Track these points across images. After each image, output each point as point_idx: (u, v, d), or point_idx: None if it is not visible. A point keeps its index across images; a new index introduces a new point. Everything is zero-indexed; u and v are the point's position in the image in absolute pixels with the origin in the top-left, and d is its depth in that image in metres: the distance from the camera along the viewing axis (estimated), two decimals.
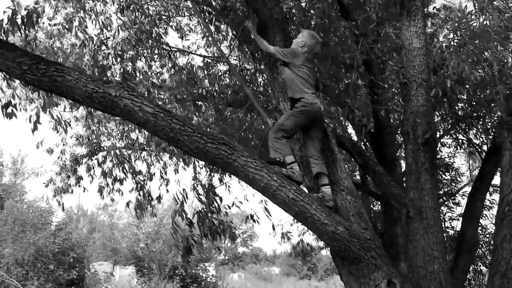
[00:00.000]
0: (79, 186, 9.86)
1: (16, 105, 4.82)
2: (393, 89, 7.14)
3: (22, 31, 5.02)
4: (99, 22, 7.01)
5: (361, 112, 6.56)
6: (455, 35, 5.87)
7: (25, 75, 3.51)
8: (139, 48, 6.87)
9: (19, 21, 4.59)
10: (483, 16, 5.12)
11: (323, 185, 3.97)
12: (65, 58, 7.40)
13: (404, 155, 7.13)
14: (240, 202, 8.49)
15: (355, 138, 8.89)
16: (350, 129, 9.54)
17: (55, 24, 7.62)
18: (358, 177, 10.55)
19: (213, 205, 7.95)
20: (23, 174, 36.17)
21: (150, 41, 6.73)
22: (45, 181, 9.96)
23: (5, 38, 5.00)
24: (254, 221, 8.34)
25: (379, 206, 10.38)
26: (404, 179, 7.21)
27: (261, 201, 8.61)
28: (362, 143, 8.51)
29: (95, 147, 9.39)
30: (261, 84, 8.01)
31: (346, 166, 6.20)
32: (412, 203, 4.55)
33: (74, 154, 9.56)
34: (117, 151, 9.30)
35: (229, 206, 8.49)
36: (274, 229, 8.96)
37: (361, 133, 7.44)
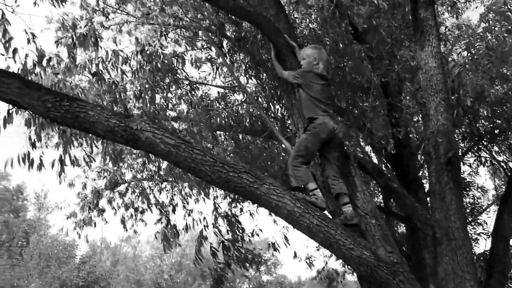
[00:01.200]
0: (102, 219, 9.96)
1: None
2: (411, 110, 7.14)
3: (47, 72, 5.22)
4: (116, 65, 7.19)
5: (380, 134, 6.55)
6: (469, 53, 5.88)
7: (49, 112, 3.60)
8: (157, 84, 7.02)
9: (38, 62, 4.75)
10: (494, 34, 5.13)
11: (344, 204, 3.92)
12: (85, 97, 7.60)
13: (426, 175, 7.06)
14: (260, 230, 8.48)
15: (375, 160, 8.84)
16: (370, 151, 9.50)
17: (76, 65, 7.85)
18: (380, 199, 10.44)
19: (236, 234, 7.95)
20: (47, 208, 36.63)
21: (167, 76, 6.87)
22: (67, 214, 10.10)
23: (29, 77, 5.19)
24: (275, 249, 8.30)
25: (404, 228, 10.22)
26: (428, 199, 7.12)
27: (283, 227, 8.61)
28: (383, 165, 8.46)
29: (116, 179, 9.50)
30: (279, 111, 8.08)
31: (367, 189, 6.16)
32: (438, 224, 4.48)
33: (95, 187, 9.68)
34: (138, 182, 9.40)
35: (252, 234, 8.50)
36: (295, 256, 8.89)
37: (382, 155, 7.41)
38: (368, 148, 8.86)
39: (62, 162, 5.53)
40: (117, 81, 7.09)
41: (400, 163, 8.04)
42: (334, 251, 3.65)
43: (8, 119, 5.00)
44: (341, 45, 6.88)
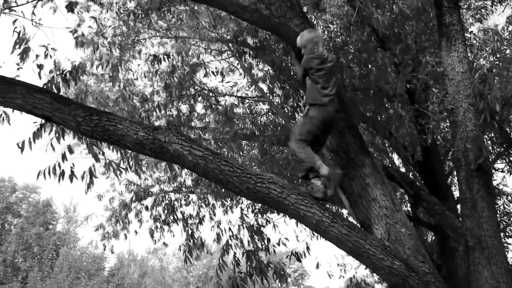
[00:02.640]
0: (128, 231, 10.08)
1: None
2: (438, 116, 7.03)
3: (70, 84, 5.33)
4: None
5: (407, 142, 6.47)
6: (495, 58, 5.77)
7: (80, 126, 3.69)
8: (183, 96, 7.11)
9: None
10: None
11: (313, 177, 3.81)
12: (114, 105, 7.76)
13: (456, 183, 6.94)
14: (287, 239, 8.43)
15: (403, 169, 8.73)
16: (397, 159, 9.38)
17: (101, 75, 8.02)
18: (408, 207, 10.28)
19: (262, 244, 7.93)
20: (75, 221, 37.24)
21: (191, 86, 6.95)
22: (95, 225, 10.25)
23: (56, 91, 5.32)
24: (297, 259, 8.24)
25: (433, 237, 10.03)
26: (458, 207, 6.98)
27: (307, 235, 8.54)
28: (411, 173, 8.34)
29: (144, 192, 9.61)
30: None
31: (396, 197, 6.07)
32: (470, 232, 4.38)
33: (123, 199, 9.81)
34: (165, 195, 9.49)
35: (277, 244, 8.45)
36: (318, 267, 8.81)
37: (409, 163, 7.31)
38: (395, 156, 8.76)
39: (91, 173, 5.61)
40: (145, 94, 7.21)
41: (428, 170, 7.92)
42: (364, 260, 3.62)
43: (38, 134, 5.14)
44: (364, 53, 6.84)
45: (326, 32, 8.18)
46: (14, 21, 4.17)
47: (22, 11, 4.23)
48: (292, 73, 6.77)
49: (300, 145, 3.88)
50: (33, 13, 4.47)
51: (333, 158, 4.45)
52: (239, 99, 8.32)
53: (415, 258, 3.75)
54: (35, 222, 36.74)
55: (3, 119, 4.33)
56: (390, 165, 7.27)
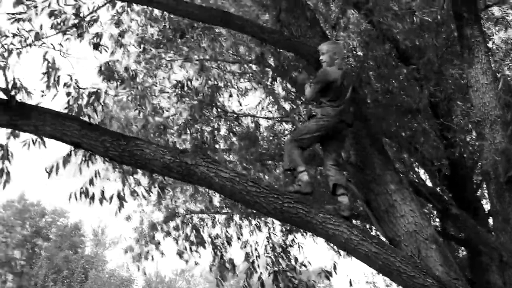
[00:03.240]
0: (156, 253, 10.15)
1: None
2: (464, 129, 6.94)
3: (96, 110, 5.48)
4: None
5: (433, 156, 6.40)
6: None
7: (108, 152, 3.78)
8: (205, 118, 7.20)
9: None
10: None
11: (340, 195, 3.80)
12: (139, 132, 7.90)
13: (486, 195, 6.80)
14: (309, 262, 8.37)
15: (430, 183, 8.59)
16: (423, 174, 9.24)
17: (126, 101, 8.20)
18: (436, 222, 10.08)
19: (287, 265, 7.89)
20: (104, 244, 37.61)
21: (214, 109, 7.04)
22: (124, 247, 10.36)
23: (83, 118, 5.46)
24: (326, 277, 8.16)
25: (464, 252, 9.79)
26: (489, 221, 6.83)
27: (336, 253, 8.45)
28: (438, 187, 8.21)
29: (172, 213, 9.69)
30: None
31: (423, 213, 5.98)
32: (503, 246, 4.29)
33: (151, 221, 9.91)
34: (192, 216, 9.55)
35: (304, 265, 8.40)
36: (351, 284, 8.68)
37: (436, 177, 7.20)
38: (421, 171, 8.64)
39: (120, 197, 5.72)
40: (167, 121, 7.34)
41: (456, 184, 7.78)
42: (395, 278, 3.57)
43: (67, 159, 5.27)
44: (385, 68, 6.84)
45: (345, 49, 8.22)
46: (45, 54, 4.33)
47: (52, 43, 4.38)
48: None
49: (292, 144, 3.91)
50: (60, 44, 4.64)
51: (356, 175, 4.44)
52: (263, 119, 8.38)
53: (448, 275, 3.68)
54: (64, 245, 37.26)
55: (37, 142, 4.45)
56: (416, 180, 7.17)
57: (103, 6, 5.33)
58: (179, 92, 7.51)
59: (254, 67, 7.87)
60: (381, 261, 3.43)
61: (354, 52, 7.93)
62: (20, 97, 3.84)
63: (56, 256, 35.72)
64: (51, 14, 5.20)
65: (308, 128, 3.98)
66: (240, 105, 8.39)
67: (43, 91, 4.93)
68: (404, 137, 7.13)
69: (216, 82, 7.86)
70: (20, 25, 4.46)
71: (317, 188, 7.92)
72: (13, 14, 4.42)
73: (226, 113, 7.82)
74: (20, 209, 39.59)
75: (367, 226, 8.37)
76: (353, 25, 8.20)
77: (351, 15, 8.05)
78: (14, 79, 3.75)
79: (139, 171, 6.20)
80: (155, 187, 7.07)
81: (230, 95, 7.95)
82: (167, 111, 8.11)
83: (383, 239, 4.13)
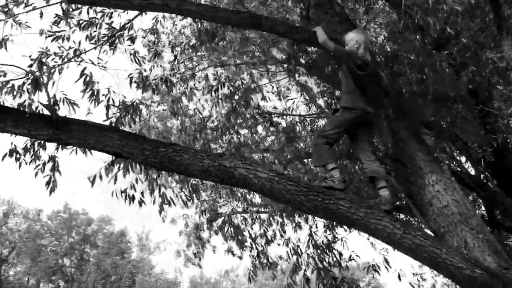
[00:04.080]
0: (201, 254, 10.32)
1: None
2: (506, 114, 6.73)
3: (134, 120, 5.64)
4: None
5: (475, 144, 6.23)
6: None
7: (148, 159, 3.88)
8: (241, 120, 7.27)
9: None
10: None
11: (380, 188, 3.77)
12: (176, 137, 8.07)
13: None
14: (358, 256, 8.29)
15: (473, 172, 8.37)
16: (465, 162, 9.01)
17: (163, 110, 8.38)
18: (482, 210, 9.81)
19: (333, 260, 7.86)
20: (149, 249, 38.48)
21: (249, 111, 7.10)
22: (174, 251, 10.63)
23: (121, 127, 5.64)
24: (375, 271, 8.07)
25: None
26: None
27: (382, 249, 8.36)
28: (482, 175, 7.99)
29: (215, 214, 9.83)
30: None
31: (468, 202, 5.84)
32: None
33: (196, 223, 10.09)
34: (234, 216, 9.67)
35: (349, 259, 8.34)
36: (400, 279, 8.55)
37: (480, 165, 7.01)
38: (464, 159, 8.43)
39: (162, 199, 5.85)
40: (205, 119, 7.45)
41: (501, 171, 7.54)
42: (441, 270, 3.51)
43: (109, 169, 5.46)
44: (419, 57, 6.71)
45: (377, 41, 8.12)
46: (84, 69, 4.49)
47: (90, 59, 4.55)
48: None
49: (319, 140, 3.89)
50: (98, 57, 4.79)
51: (396, 168, 4.38)
52: (299, 117, 8.39)
53: (498, 265, 3.58)
54: (111, 252, 38.34)
55: (81, 152, 4.62)
56: (459, 169, 7.00)
57: (135, 18, 5.46)
58: (215, 95, 7.62)
59: (286, 66, 7.88)
60: (426, 253, 3.38)
61: (385, 43, 7.81)
62: (65, 111, 4.01)
63: (104, 262, 36.78)
64: (87, 25, 5.37)
65: (333, 123, 3.99)
66: (284, 98, 8.40)
67: (88, 108, 5.14)
68: (443, 126, 6.98)
69: (250, 83, 7.93)
70: (59, 43, 4.65)
71: (357, 183, 7.87)
72: (53, 32, 4.60)
73: (262, 113, 7.87)
74: (66, 218, 40.97)
75: (410, 219, 8.24)
76: (382, 16, 8.11)
77: (381, 6, 7.96)
78: (54, 95, 3.91)
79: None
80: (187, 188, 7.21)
81: (263, 97, 7.98)
82: (202, 114, 8.23)
83: (428, 231, 4.07)
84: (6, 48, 4.59)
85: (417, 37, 6.87)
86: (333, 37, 4.78)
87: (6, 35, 4.57)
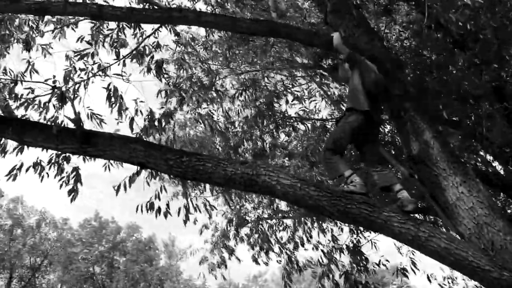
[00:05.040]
0: (231, 259, 10.39)
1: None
2: None
3: (160, 130, 5.75)
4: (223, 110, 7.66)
5: (502, 143, 6.11)
6: None
7: (172, 169, 3.94)
8: (264, 125, 7.32)
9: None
10: None
11: (398, 191, 3.78)
12: (200, 144, 8.17)
13: None
14: (387, 261, 8.21)
15: (502, 171, 8.20)
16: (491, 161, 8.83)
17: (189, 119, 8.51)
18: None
19: (360, 265, 7.80)
20: (176, 255, 38.79)
21: (272, 116, 7.14)
22: (199, 257, 10.70)
23: (146, 138, 5.75)
24: (404, 275, 7.97)
25: None
26: None
27: (409, 251, 8.26)
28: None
29: (242, 220, 9.88)
30: (389, 135, 7.92)
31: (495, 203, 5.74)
32: None
33: (223, 229, 10.16)
34: (261, 222, 9.70)
35: (377, 264, 8.26)
36: (430, 281, 8.42)
37: (508, 164, 6.87)
38: (490, 159, 8.27)
39: (187, 209, 5.94)
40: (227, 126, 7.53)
41: None
42: (468, 273, 3.47)
43: (133, 178, 5.57)
44: (438, 55, 6.66)
45: (398, 41, 8.07)
46: (109, 85, 4.62)
47: (113, 74, 4.67)
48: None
49: (327, 154, 3.91)
50: (122, 70, 4.92)
51: (422, 170, 4.35)
52: (321, 121, 8.39)
53: None
54: (139, 259, 38.82)
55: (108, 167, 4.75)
56: (486, 169, 6.87)
57: (154, 31, 5.57)
58: (238, 101, 7.70)
59: (309, 70, 7.90)
60: (453, 256, 3.35)
61: (405, 43, 7.76)
62: (92, 125, 4.13)
63: (133, 269, 37.25)
64: (113, 42, 5.53)
65: (338, 131, 4.01)
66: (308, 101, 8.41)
67: (118, 122, 5.28)
68: (469, 125, 6.88)
69: (272, 89, 7.98)
70: (85, 60, 4.79)
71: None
72: (79, 51, 4.75)
73: (285, 119, 7.90)
74: (96, 227, 41.67)
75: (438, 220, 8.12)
76: (401, 16, 8.05)
77: (400, 6, 7.91)
78: (78, 112, 4.03)
79: None
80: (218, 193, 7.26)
81: (287, 101, 8.02)
82: (228, 119, 8.31)
83: (454, 234, 4.02)
84: (31, 73, 4.76)
85: (439, 35, 6.81)
86: (351, 41, 4.80)
87: (32, 60, 4.75)
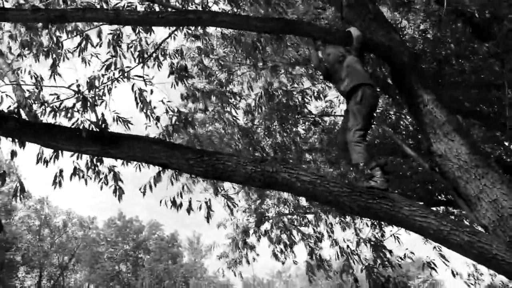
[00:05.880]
0: (251, 256, 10.44)
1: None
2: None
3: (186, 129, 5.83)
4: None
5: None
6: None
7: (193, 168, 3.98)
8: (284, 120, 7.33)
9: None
10: None
11: (372, 168, 3.83)
12: (220, 141, 8.23)
13: None
14: (412, 253, 8.15)
15: None
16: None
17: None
18: None
19: (384, 259, 7.77)
20: (200, 252, 39.15)
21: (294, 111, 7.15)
22: (218, 254, 10.77)
23: (167, 139, 5.83)
24: (432, 268, 7.90)
25: None
26: None
27: (434, 247, 8.19)
28: None
29: (261, 217, 9.92)
30: (408, 128, 7.85)
31: None
32: None
33: (244, 226, 10.21)
34: (282, 218, 9.72)
35: (401, 258, 8.22)
36: (454, 275, 8.34)
37: None
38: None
39: (208, 206, 6.00)
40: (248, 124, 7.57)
41: None
42: (493, 267, 3.44)
43: (157, 179, 5.67)
44: (458, 46, 6.57)
45: (416, 32, 7.98)
46: (133, 85, 4.71)
47: (136, 76, 4.76)
48: (388, 82, 6.68)
49: (357, 136, 3.96)
50: (143, 73, 5.01)
51: (443, 163, 4.31)
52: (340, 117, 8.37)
53: None
54: (163, 257, 39.32)
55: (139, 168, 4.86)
56: (510, 160, 6.76)
57: (170, 35, 5.64)
58: (258, 100, 7.72)
59: None
60: (476, 250, 3.33)
61: (424, 34, 7.66)
62: (119, 127, 4.22)
63: (157, 267, 37.74)
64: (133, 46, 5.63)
65: (362, 110, 4.07)
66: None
67: (146, 124, 5.37)
68: (491, 116, 6.78)
69: (292, 86, 7.98)
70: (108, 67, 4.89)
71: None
72: (104, 62, 4.85)
73: (305, 115, 7.91)
74: (120, 226, 42.33)
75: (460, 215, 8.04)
76: (420, 6, 7.95)
77: None
78: (103, 114, 4.12)
79: None
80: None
81: (303, 97, 8.01)
82: (248, 118, 8.35)
83: (478, 226, 3.99)
84: (55, 78, 4.88)
85: (459, 24, 6.72)
86: (368, 35, 4.77)
87: (55, 67, 4.87)
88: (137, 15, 4.27)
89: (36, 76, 4.74)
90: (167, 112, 5.38)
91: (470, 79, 6.26)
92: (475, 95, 6.44)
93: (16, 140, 4.16)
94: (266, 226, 10.06)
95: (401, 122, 7.68)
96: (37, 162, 4.40)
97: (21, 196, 4.27)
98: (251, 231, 10.29)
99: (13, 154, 4.42)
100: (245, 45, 6.29)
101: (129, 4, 5.45)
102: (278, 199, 9.58)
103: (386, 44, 4.75)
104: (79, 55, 5.23)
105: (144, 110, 5.15)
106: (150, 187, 5.59)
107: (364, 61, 4.58)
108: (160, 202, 5.76)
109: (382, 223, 8.06)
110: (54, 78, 4.95)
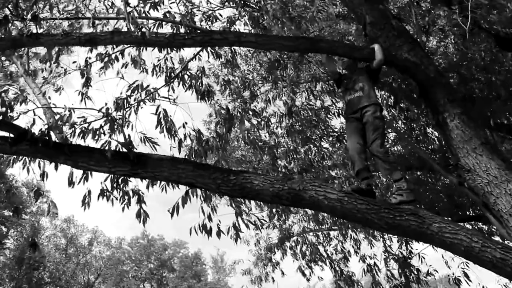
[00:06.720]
0: (278, 272, 10.38)
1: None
2: None
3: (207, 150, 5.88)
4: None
5: None
6: None
7: (220, 188, 4.00)
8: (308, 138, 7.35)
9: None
10: None
11: (396, 181, 3.97)
12: (244, 160, 8.27)
13: None
14: (435, 271, 8.02)
15: None
16: None
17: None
18: None
19: (412, 276, 7.64)
20: (224, 270, 38.97)
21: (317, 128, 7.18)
22: (242, 270, 10.75)
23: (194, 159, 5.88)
24: (456, 284, 7.75)
25: None
26: None
27: (462, 263, 8.02)
28: None
29: (287, 234, 9.88)
30: (435, 142, 7.76)
31: None
32: None
33: (269, 243, 10.18)
34: (306, 235, 9.67)
35: (426, 274, 8.08)
36: None
37: None
38: None
39: (236, 228, 5.99)
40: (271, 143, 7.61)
41: None
42: None
43: (185, 199, 5.68)
44: (483, 59, 6.51)
45: (440, 47, 7.95)
46: (157, 108, 4.79)
47: (162, 97, 4.86)
48: (413, 96, 6.64)
49: (386, 148, 4.21)
50: (168, 93, 5.10)
51: (472, 179, 4.25)
52: None
53: None
54: (187, 275, 39.28)
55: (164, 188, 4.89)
56: None
57: (195, 56, 5.74)
58: (283, 119, 7.77)
59: None
60: (510, 267, 3.25)
61: (452, 49, 7.63)
62: (146, 148, 4.29)
63: (181, 286, 37.71)
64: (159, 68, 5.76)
65: (382, 126, 4.27)
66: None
67: (171, 144, 5.44)
68: None
69: (316, 104, 8.01)
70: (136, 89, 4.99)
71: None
72: (132, 84, 4.96)
73: (329, 132, 7.92)
74: (145, 245, 42.51)
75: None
76: (445, 22, 7.92)
77: (441, 12, 7.79)
78: (129, 135, 4.20)
79: None
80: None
81: (327, 114, 8.02)
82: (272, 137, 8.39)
83: (510, 243, 3.90)
84: (85, 101, 5.01)
85: (483, 36, 6.66)
86: (392, 51, 4.78)
87: (84, 89, 5.02)
88: (163, 37, 4.37)
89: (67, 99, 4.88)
90: (185, 137, 5.42)
91: (499, 92, 6.17)
92: (504, 108, 6.34)
93: (48, 162, 4.25)
94: (291, 242, 10.01)
95: (428, 137, 7.61)
96: (69, 185, 4.48)
97: (54, 212, 4.34)
98: (275, 248, 10.24)
99: (44, 175, 4.51)
100: (269, 64, 6.36)
101: (154, 24, 5.56)
102: (303, 215, 9.52)
103: (411, 60, 4.74)
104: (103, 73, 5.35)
105: (166, 132, 5.19)
106: (177, 208, 5.62)
107: (376, 82, 4.89)
108: (190, 230, 5.75)
109: (409, 239, 7.94)
110: (85, 102, 5.08)
